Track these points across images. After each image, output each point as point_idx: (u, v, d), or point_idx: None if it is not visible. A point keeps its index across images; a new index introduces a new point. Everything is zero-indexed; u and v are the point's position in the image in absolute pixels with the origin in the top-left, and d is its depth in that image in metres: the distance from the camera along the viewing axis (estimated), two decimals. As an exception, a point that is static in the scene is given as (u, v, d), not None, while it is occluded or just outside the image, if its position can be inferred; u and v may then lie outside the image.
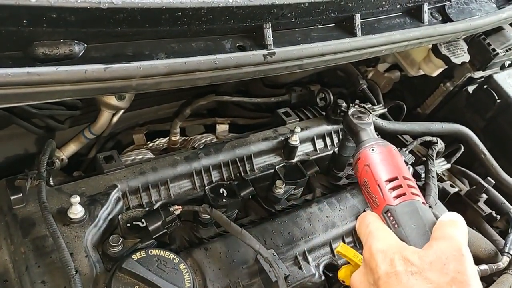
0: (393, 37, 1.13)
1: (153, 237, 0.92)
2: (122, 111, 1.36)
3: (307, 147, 1.32)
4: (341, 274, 1.00)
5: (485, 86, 1.59)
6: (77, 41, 0.80)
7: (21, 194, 0.93)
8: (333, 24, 1.12)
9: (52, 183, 1.00)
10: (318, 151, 1.32)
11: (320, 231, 1.09)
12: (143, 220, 0.95)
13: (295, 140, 1.23)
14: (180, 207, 0.96)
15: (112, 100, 1.28)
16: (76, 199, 0.90)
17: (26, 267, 0.85)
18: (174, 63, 0.84)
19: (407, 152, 1.28)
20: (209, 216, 1.01)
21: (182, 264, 0.87)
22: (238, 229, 0.94)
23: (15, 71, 0.71)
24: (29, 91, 0.75)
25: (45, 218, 0.87)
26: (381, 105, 1.53)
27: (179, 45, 0.91)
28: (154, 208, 0.99)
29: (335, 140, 1.36)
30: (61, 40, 0.79)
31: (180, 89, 1.53)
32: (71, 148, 1.40)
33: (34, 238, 0.89)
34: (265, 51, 0.94)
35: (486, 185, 1.36)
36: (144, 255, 0.86)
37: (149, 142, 1.53)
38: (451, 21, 1.29)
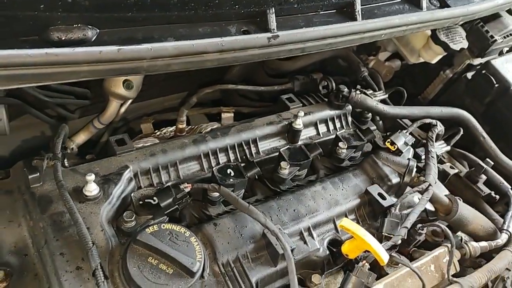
0: (392, 21, 1.17)
1: (165, 213, 0.97)
2: (130, 101, 1.40)
3: (310, 132, 1.36)
4: (345, 248, 1.04)
5: (483, 71, 1.62)
6: (90, 26, 0.85)
7: (38, 174, 0.97)
8: (334, 10, 1.16)
9: (66, 165, 1.04)
10: (321, 135, 1.36)
11: (324, 209, 1.13)
12: (154, 198, 0.99)
13: (298, 124, 1.27)
14: (190, 185, 1.01)
15: (120, 89, 1.32)
16: (91, 177, 0.94)
17: (45, 241, 0.89)
18: (183, 45, 0.88)
19: (407, 133, 1.32)
20: (217, 195, 1.05)
21: (193, 237, 0.91)
22: (246, 205, 0.98)
23: (34, 52, 0.76)
24: (47, 71, 0.79)
25: (62, 195, 0.91)
26: (382, 91, 1.57)
27: (186, 29, 0.95)
28: (165, 186, 1.03)
29: (338, 124, 1.40)
30: (75, 25, 0.84)
31: (185, 80, 1.59)
32: (81, 137, 1.44)
33: (52, 214, 0.93)
34: (269, 34, 0.98)
35: (485, 166, 1.40)
36: (157, 228, 0.90)
37: (156, 131, 1.57)
38: (448, 6, 1.33)
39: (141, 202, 0.99)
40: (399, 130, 1.34)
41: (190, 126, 1.58)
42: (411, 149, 1.33)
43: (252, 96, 1.73)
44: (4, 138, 1.10)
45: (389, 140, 1.30)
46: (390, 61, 1.87)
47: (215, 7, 0.97)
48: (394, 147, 1.29)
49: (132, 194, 1.00)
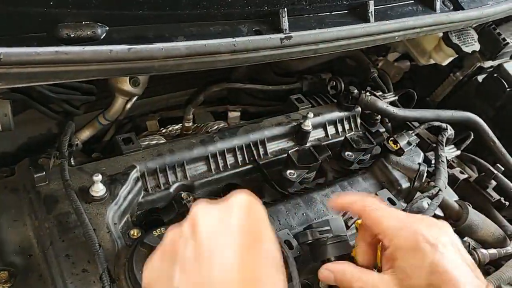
0: (406, 23, 1.15)
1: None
2: (136, 97, 1.38)
3: (319, 133, 1.34)
4: (354, 253, 1.03)
5: (495, 75, 1.60)
6: (99, 24, 0.83)
7: (44, 173, 0.96)
8: (346, 11, 1.14)
9: (73, 163, 1.03)
10: (330, 137, 1.34)
11: (333, 213, 1.11)
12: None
13: (307, 125, 1.25)
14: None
15: (126, 86, 1.30)
16: (98, 177, 0.92)
17: (50, 242, 0.88)
18: (195, 45, 0.86)
19: (413, 134, 1.30)
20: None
21: (200, 240, 0.90)
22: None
23: (44, 50, 0.74)
24: (56, 70, 0.77)
25: (68, 195, 0.90)
26: (391, 93, 1.55)
27: (197, 28, 0.93)
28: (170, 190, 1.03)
29: (346, 126, 1.38)
30: (85, 22, 0.82)
31: (191, 78, 1.57)
32: (85, 133, 1.41)
33: (58, 214, 0.91)
34: (282, 35, 0.96)
35: (495, 171, 1.38)
36: (164, 231, 0.88)
37: (162, 128, 1.55)
38: (463, 9, 1.30)
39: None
40: (405, 130, 1.31)
41: (196, 124, 1.57)
42: (421, 153, 1.31)
43: (258, 94, 1.71)
44: (8, 133, 1.08)
45: (392, 138, 1.27)
46: (399, 62, 1.84)
47: (227, 6, 0.95)
48: (397, 146, 1.26)
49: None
